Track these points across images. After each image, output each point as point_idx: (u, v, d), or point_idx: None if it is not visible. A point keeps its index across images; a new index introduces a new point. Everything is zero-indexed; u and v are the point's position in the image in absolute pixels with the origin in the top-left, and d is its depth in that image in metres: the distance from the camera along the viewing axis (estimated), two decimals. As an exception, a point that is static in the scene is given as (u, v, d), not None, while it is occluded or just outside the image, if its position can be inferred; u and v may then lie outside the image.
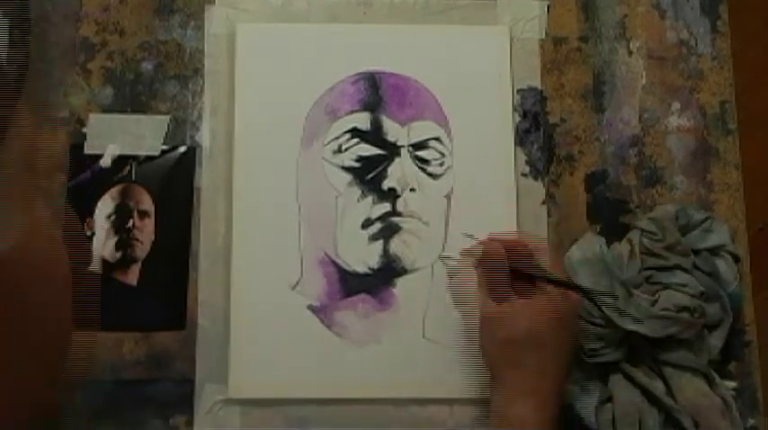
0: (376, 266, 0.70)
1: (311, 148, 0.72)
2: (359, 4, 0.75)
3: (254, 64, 0.73)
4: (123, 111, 0.73)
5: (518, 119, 0.73)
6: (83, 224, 0.70)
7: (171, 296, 0.70)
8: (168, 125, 0.72)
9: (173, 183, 0.71)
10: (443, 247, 0.71)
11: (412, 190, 0.71)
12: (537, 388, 0.61)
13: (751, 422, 0.69)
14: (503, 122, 0.73)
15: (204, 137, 0.72)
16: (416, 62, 0.73)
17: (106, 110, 0.73)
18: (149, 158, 0.72)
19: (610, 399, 0.68)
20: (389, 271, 0.70)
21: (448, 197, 0.71)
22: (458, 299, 0.69)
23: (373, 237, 0.70)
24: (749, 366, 0.70)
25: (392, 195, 0.71)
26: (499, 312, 0.62)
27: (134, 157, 0.72)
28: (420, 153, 0.72)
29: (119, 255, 0.70)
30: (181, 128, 0.73)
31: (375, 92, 0.73)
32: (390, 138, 0.72)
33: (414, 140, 0.72)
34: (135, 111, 0.73)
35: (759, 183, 0.73)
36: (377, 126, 0.72)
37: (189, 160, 0.72)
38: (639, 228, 0.69)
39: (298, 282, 0.70)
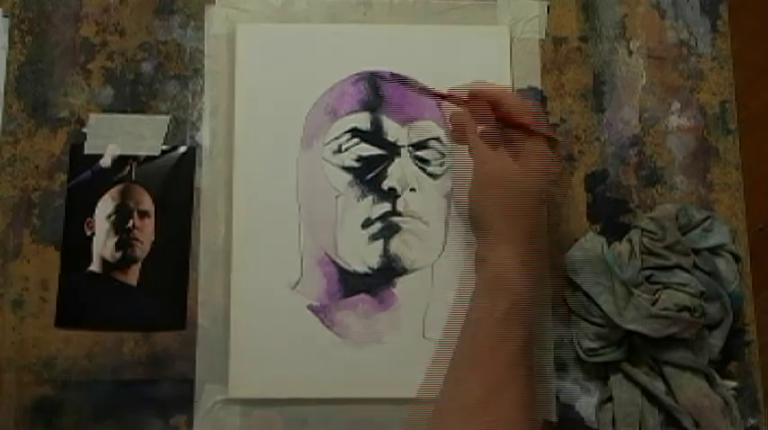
0: (376, 266, 0.70)
1: (311, 148, 0.72)
2: (359, 4, 0.75)
3: (254, 64, 0.73)
4: (123, 111, 0.73)
5: (518, 119, 0.73)
6: (83, 224, 0.70)
7: (171, 296, 0.70)
8: (168, 125, 0.72)
9: (173, 183, 0.71)
10: (443, 247, 0.71)
11: (412, 190, 0.71)
12: (518, 231, 0.62)
13: (751, 422, 0.69)
14: (503, 122, 0.73)
15: (204, 137, 0.72)
16: (416, 62, 0.73)
17: (106, 110, 0.73)
18: (149, 158, 0.72)
19: (610, 399, 0.68)
20: (389, 271, 0.70)
21: (448, 197, 0.71)
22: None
23: (373, 237, 0.70)
24: (749, 366, 0.70)
25: (392, 195, 0.71)
26: (491, 163, 0.63)
27: (134, 157, 0.72)
28: (420, 153, 0.72)
29: (119, 255, 0.70)
30: (181, 128, 0.73)
31: (375, 92, 0.73)
32: (390, 138, 0.72)
33: (414, 140, 0.72)
34: (135, 111, 0.73)
35: (759, 183, 0.73)
36: (377, 126, 0.72)
37: (189, 160, 0.72)
38: (640, 228, 0.69)
39: (298, 282, 0.70)
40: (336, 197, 0.71)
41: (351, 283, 0.70)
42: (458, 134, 0.68)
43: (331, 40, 0.74)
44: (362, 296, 0.70)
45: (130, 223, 0.70)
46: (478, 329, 0.60)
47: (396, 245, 0.70)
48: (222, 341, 0.69)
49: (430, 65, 0.73)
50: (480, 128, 0.65)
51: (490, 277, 0.61)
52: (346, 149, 0.72)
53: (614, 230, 0.71)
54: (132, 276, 0.70)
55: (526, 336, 0.59)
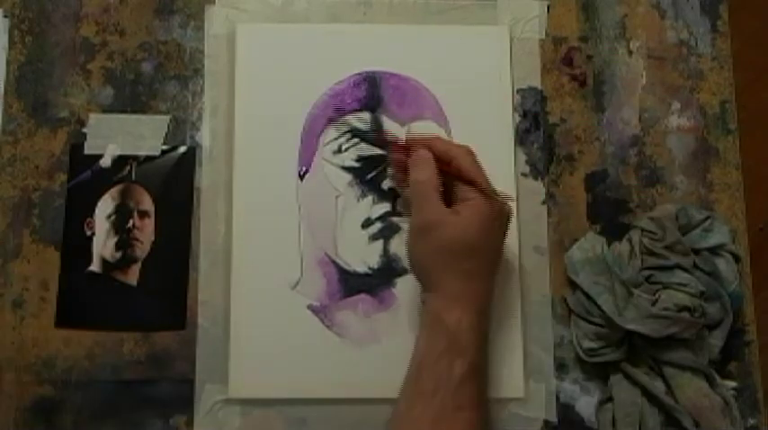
0: (376, 266, 0.70)
1: (311, 148, 0.72)
2: (359, 4, 0.75)
3: (254, 64, 0.73)
4: (123, 111, 0.73)
5: (518, 119, 0.73)
6: (83, 224, 0.70)
7: (171, 296, 0.70)
8: (168, 125, 0.72)
9: (173, 183, 0.71)
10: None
11: (412, 190, 0.71)
12: (470, 291, 0.61)
13: (751, 422, 0.69)
14: (503, 122, 0.73)
15: (204, 137, 0.72)
16: (416, 62, 0.73)
17: (106, 110, 0.73)
18: (149, 158, 0.72)
19: (610, 399, 0.68)
20: (389, 271, 0.70)
21: (448, 197, 0.71)
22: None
23: (373, 237, 0.70)
24: (749, 366, 0.70)
25: (392, 195, 0.71)
26: (432, 220, 0.62)
27: (134, 157, 0.72)
28: (420, 153, 0.72)
29: (119, 255, 0.70)
30: (181, 128, 0.73)
31: (375, 92, 0.73)
32: (390, 137, 0.72)
33: (414, 140, 0.72)
34: (135, 111, 0.73)
35: (759, 183, 0.73)
36: (377, 126, 0.72)
37: (189, 160, 0.72)
38: (639, 228, 0.69)
39: (298, 282, 0.70)
40: (336, 197, 0.71)
41: (351, 283, 0.70)
42: (400, 177, 0.67)
43: (331, 40, 0.74)
44: (362, 296, 0.70)
45: (130, 223, 0.71)
46: (436, 393, 0.59)
47: (396, 245, 0.70)
48: (222, 341, 0.69)
49: (430, 65, 0.73)
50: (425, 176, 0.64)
51: (447, 337, 0.60)
52: (346, 149, 0.72)
53: (614, 230, 0.71)
54: (132, 276, 0.70)
55: (483, 399, 0.60)
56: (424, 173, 0.64)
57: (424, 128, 0.72)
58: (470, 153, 0.65)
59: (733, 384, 0.69)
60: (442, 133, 0.72)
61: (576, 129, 0.74)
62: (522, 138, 0.73)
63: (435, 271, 0.62)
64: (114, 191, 0.71)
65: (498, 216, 0.63)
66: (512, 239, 0.70)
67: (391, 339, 0.69)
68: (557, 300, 0.70)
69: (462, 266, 0.61)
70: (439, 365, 0.59)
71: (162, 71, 0.73)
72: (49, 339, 0.69)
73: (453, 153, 0.64)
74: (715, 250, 0.69)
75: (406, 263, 0.70)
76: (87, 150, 0.72)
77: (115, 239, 0.70)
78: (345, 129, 0.72)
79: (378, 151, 0.72)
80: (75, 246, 0.70)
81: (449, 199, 0.64)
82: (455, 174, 0.64)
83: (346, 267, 0.70)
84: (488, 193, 0.62)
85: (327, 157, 0.72)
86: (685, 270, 0.67)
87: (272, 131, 0.72)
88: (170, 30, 0.74)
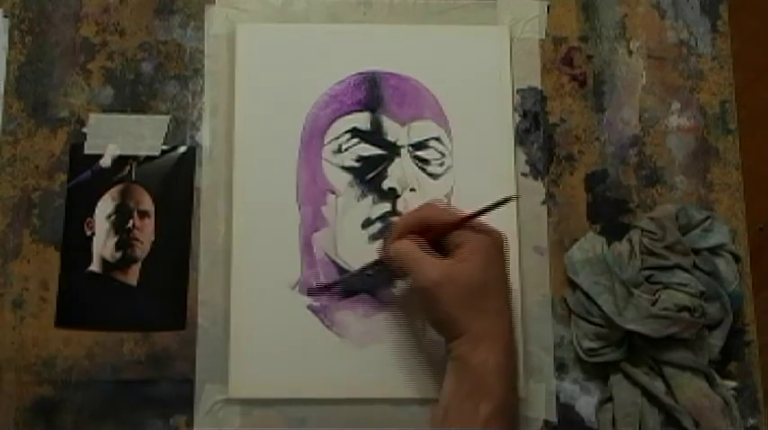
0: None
1: (311, 148, 0.72)
2: (359, 4, 0.75)
3: (254, 64, 0.73)
4: (123, 111, 0.73)
5: (518, 119, 0.73)
6: (83, 224, 0.70)
7: (171, 296, 0.70)
8: (168, 125, 0.72)
9: (173, 183, 0.71)
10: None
11: (412, 190, 0.71)
12: (493, 330, 0.61)
13: (751, 422, 0.69)
14: (503, 122, 0.73)
15: (204, 137, 0.72)
16: (416, 62, 0.73)
17: (106, 110, 0.73)
18: (149, 158, 0.72)
19: (610, 399, 0.68)
20: (389, 271, 0.70)
21: (448, 197, 0.71)
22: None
23: (373, 237, 0.70)
24: (749, 366, 0.70)
25: (392, 195, 0.71)
26: (441, 274, 0.61)
27: (134, 157, 0.72)
28: (420, 153, 0.72)
29: (119, 255, 0.70)
30: (181, 128, 0.73)
31: (375, 92, 0.73)
32: (390, 137, 0.72)
33: (414, 140, 0.72)
34: (135, 111, 0.73)
35: (759, 183, 0.73)
36: (377, 126, 0.72)
37: (189, 160, 0.72)
38: (639, 228, 0.69)
39: (298, 282, 0.70)
40: (336, 197, 0.71)
41: (351, 283, 0.70)
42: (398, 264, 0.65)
43: (331, 40, 0.74)
44: (362, 296, 0.70)
45: (130, 223, 0.71)
46: None
47: (396, 245, 0.70)
48: (222, 341, 0.69)
49: (430, 65, 0.73)
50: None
51: (472, 379, 0.60)
52: (346, 149, 0.72)
53: (614, 230, 0.71)
54: (132, 276, 0.70)
55: None
56: (400, 244, 0.64)
57: (424, 127, 0.72)
58: (432, 206, 0.65)
59: (733, 384, 0.69)
60: (441, 133, 0.72)
61: (576, 129, 0.74)
62: (522, 138, 0.73)
63: (457, 319, 0.61)
64: (114, 191, 0.71)
65: (495, 245, 0.63)
66: (512, 239, 0.70)
67: (391, 339, 0.69)
68: (557, 300, 0.70)
69: (482, 306, 0.61)
70: (464, 408, 0.59)
71: (162, 71, 0.73)
72: (48, 339, 0.69)
73: (422, 215, 0.64)
74: (715, 250, 0.69)
75: None
76: (87, 150, 0.72)
77: (115, 239, 0.70)
78: (345, 128, 0.72)
79: (378, 151, 0.72)
80: (75, 245, 0.70)
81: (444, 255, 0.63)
82: (440, 231, 0.63)
83: (346, 267, 0.70)
84: (478, 228, 0.62)
85: (327, 157, 0.72)
86: (685, 270, 0.67)
87: (272, 131, 0.72)
88: (170, 30, 0.74)
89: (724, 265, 0.69)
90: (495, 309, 0.62)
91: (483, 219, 0.63)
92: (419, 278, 0.62)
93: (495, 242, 0.63)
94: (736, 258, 0.69)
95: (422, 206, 0.66)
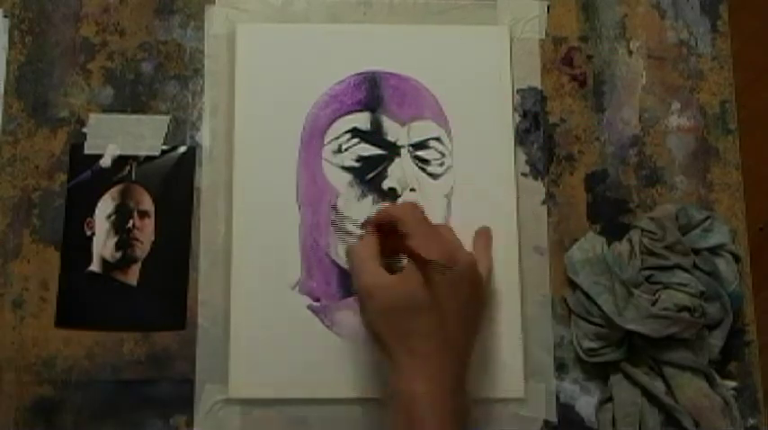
0: (376, 266, 0.70)
1: (311, 148, 0.72)
2: (359, 4, 0.75)
3: (254, 64, 0.73)
4: (123, 111, 0.73)
5: (518, 119, 0.73)
6: (83, 224, 0.70)
7: (171, 296, 0.70)
8: (168, 125, 0.72)
9: (173, 183, 0.71)
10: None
11: (412, 190, 0.71)
12: (422, 355, 0.58)
13: (751, 422, 0.69)
14: (503, 122, 0.73)
15: (204, 137, 0.72)
16: (416, 62, 0.73)
17: (106, 110, 0.73)
18: (149, 158, 0.72)
19: (610, 399, 0.68)
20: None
21: (448, 197, 0.71)
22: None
23: (373, 237, 0.70)
24: (749, 366, 0.70)
25: (392, 195, 0.71)
26: (374, 284, 0.60)
27: (134, 157, 0.72)
28: (420, 153, 0.72)
29: (119, 255, 0.70)
30: (181, 128, 0.73)
31: (375, 92, 0.73)
32: (390, 137, 0.72)
33: (414, 140, 0.72)
34: (135, 111, 0.73)
35: (759, 183, 0.73)
36: (377, 126, 0.72)
37: (189, 160, 0.72)
38: (639, 228, 0.69)
39: (298, 282, 0.70)
40: (336, 197, 0.71)
41: (351, 283, 0.70)
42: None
43: (331, 40, 0.74)
44: (362, 296, 0.70)
45: (130, 223, 0.71)
46: None
47: (396, 245, 0.70)
48: (222, 341, 0.69)
49: (430, 65, 0.73)
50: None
51: (404, 411, 0.57)
52: (346, 149, 0.72)
53: (614, 230, 0.71)
54: (132, 276, 0.70)
55: None
56: (358, 244, 0.64)
57: (424, 127, 0.72)
58: (411, 208, 0.63)
59: (733, 384, 0.69)
60: (442, 133, 0.72)
61: (576, 129, 0.74)
62: (522, 138, 0.73)
63: (382, 337, 0.60)
64: (114, 191, 0.71)
65: (459, 275, 0.60)
66: (512, 239, 0.70)
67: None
68: (557, 300, 0.70)
69: (407, 328, 0.59)
70: None
71: (162, 71, 0.73)
72: (48, 339, 0.69)
73: (393, 215, 0.63)
74: (715, 250, 0.69)
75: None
76: (87, 150, 0.72)
77: (115, 239, 0.70)
78: (345, 129, 0.72)
79: (378, 151, 0.72)
80: (75, 245, 0.70)
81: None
82: (399, 243, 0.62)
83: (346, 267, 0.70)
84: (451, 254, 0.60)
85: (327, 157, 0.72)
86: (685, 270, 0.67)
87: (272, 131, 0.72)
88: (170, 30, 0.74)
89: (724, 265, 0.69)
90: (426, 333, 0.59)
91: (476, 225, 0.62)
92: (355, 281, 0.63)
93: (463, 274, 0.61)
94: (736, 258, 0.70)
95: (403, 205, 0.66)
